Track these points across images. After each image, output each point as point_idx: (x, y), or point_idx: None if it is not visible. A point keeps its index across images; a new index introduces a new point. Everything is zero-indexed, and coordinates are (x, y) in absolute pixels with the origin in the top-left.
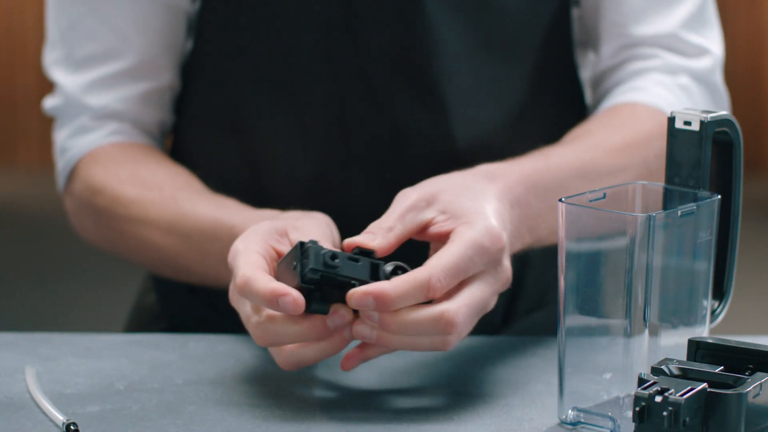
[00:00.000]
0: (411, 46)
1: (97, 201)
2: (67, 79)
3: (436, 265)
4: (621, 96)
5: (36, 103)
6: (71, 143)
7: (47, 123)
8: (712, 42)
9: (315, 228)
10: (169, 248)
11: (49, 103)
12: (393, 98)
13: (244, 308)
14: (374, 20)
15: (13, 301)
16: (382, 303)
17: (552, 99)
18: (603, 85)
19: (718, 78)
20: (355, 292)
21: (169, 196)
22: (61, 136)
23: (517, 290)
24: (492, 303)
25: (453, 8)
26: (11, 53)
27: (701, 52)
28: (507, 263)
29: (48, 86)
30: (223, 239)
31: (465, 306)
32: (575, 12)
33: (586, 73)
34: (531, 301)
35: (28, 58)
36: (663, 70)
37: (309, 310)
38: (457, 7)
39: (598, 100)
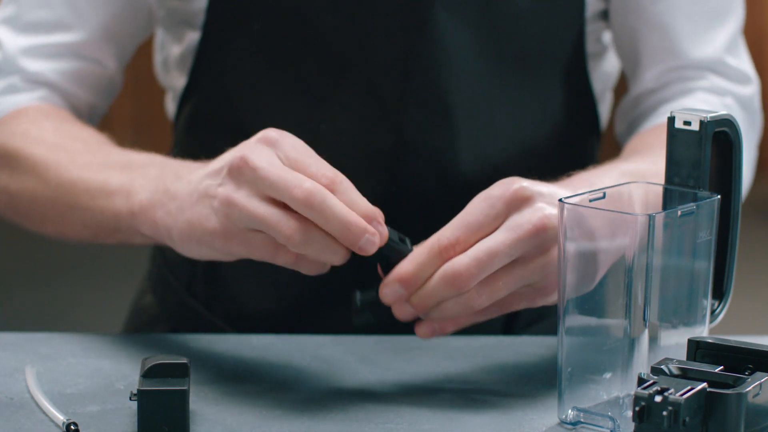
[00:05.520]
0: (419, 56)
1: (13, 143)
2: (10, 38)
3: (445, 228)
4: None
5: None
6: None
7: None
8: (748, 65)
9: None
10: (72, 181)
11: None
12: (400, 109)
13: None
14: (383, 29)
15: (13, 301)
16: (408, 283)
17: (563, 112)
18: (645, 103)
19: (758, 104)
20: (384, 288)
21: (95, 147)
22: None
23: None
24: (513, 251)
25: (464, 20)
26: None
27: (745, 78)
28: (537, 205)
29: None
30: (157, 164)
31: (467, 257)
32: (591, 26)
33: (598, 85)
34: (532, 313)
35: None
36: (710, 90)
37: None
38: (467, 19)
39: (638, 117)
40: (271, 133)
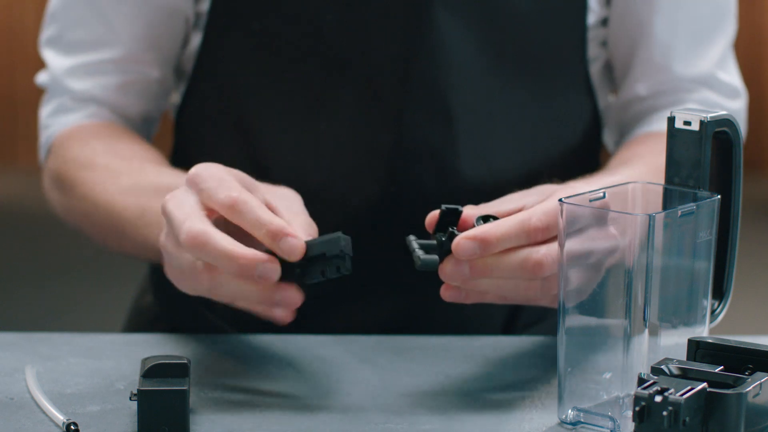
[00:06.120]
0: (419, 56)
1: (67, 169)
2: (55, 59)
3: (537, 208)
4: (661, 123)
5: (36, 103)
6: (51, 121)
7: None
8: (738, 79)
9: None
10: (118, 209)
11: (41, 78)
12: (400, 108)
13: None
14: (383, 29)
15: (13, 301)
16: (486, 245)
17: (565, 114)
18: (635, 109)
19: (744, 116)
20: (460, 240)
21: (137, 166)
22: (44, 112)
23: (520, 306)
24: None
25: (463, 20)
26: (11, 53)
27: (734, 93)
28: (612, 229)
29: None
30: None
31: (555, 251)
32: (593, 32)
33: (599, 87)
34: (532, 315)
35: (28, 58)
36: (700, 103)
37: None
38: (467, 19)
39: (628, 122)
40: (193, 171)
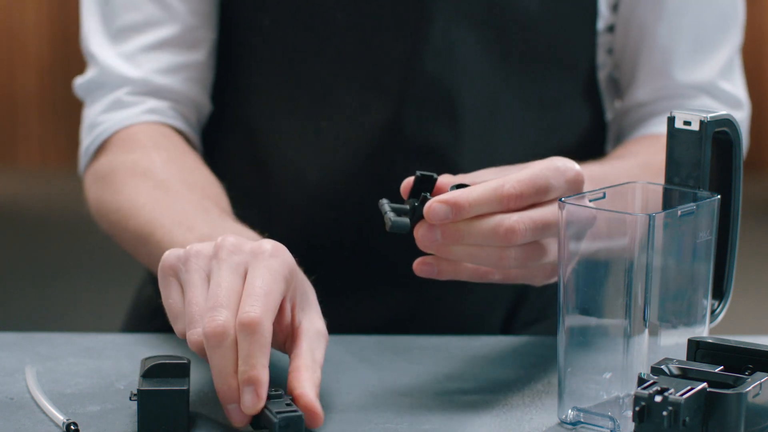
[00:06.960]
0: (424, 55)
1: (122, 169)
2: (106, 50)
3: (511, 176)
4: (658, 127)
5: (36, 103)
6: (104, 118)
7: (47, 123)
8: (742, 90)
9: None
10: (159, 239)
11: (81, 80)
12: (403, 107)
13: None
14: (390, 29)
15: (13, 301)
16: (458, 210)
17: (570, 115)
18: (635, 114)
19: (746, 128)
20: (432, 203)
21: (196, 198)
22: (92, 112)
23: (520, 304)
24: (563, 230)
25: (470, 22)
26: (11, 53)
27: (736, 103)
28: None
29: (48, 86)
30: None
31: (528, 218)
32: (603, 38)
33: (606, 90)
34: (532, 314)
35: (28, 58)
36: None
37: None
38: (474, 21)
39: (628, 126)
40: (265, 244)
